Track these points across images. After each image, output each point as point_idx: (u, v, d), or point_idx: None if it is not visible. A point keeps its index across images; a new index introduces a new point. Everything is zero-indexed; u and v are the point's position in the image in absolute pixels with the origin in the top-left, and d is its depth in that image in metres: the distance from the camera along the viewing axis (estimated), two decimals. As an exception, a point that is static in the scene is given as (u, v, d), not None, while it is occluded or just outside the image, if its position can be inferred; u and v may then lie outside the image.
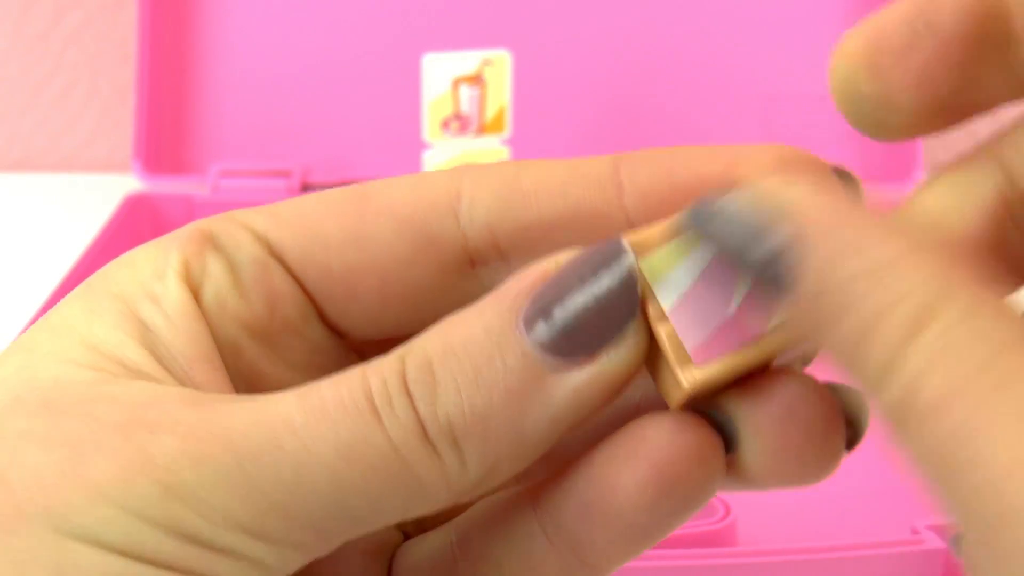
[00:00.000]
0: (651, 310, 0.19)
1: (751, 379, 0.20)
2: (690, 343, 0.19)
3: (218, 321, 0.21)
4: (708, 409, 0.20)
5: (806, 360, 0.21)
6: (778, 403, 0.20)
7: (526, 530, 0.21)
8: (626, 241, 0.19)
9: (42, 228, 0.72)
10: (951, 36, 0.19)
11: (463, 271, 0.22)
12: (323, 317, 0.22)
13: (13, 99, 0.79)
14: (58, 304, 0.21)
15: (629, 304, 0.19)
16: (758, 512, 0.48)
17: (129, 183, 0.68)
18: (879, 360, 0.15)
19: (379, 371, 0.19)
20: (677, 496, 0.20)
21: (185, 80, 0.70)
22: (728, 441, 0.20)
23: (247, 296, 0.21)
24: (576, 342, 0.19)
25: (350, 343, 0.23)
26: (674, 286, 0.19)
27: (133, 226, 0.64)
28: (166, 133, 0.69)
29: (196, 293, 0.21)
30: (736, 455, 0.20)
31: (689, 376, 0.19)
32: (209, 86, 0.70)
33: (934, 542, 0.42)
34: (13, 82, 0.79)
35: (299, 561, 0.19)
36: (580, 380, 0.19)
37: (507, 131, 0.69)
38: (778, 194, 0.17)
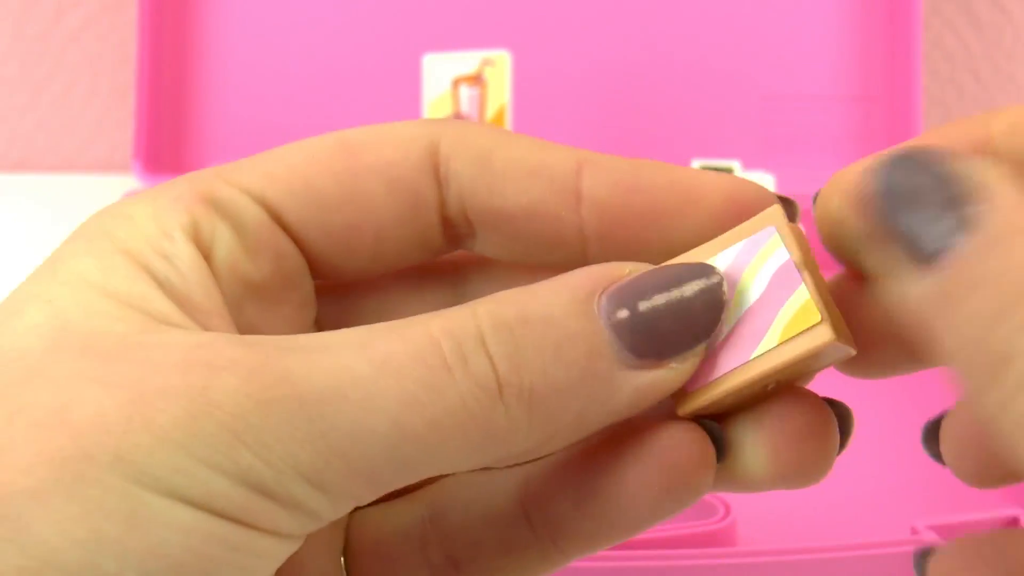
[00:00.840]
0: None
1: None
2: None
3: (227, 282, 0.21)
4: (706, 419, 0.21)
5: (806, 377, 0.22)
6: (774, 414, 0.21)
7: (508, 514, 0.22)
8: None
9: (42, 228, 0.72)
10: None
11: (444, 233, 0.23)
12: (315, 272, 0.23)
13: (13, 99, 0.79)
14: (58, 256, 0.21)
15: (710, 322, 0.20)
16: (758, 512, 0.48)
17: (129, 183, 0.68)
18: None
19: (448, 328, 0.19)
20: (676, 497, 0.21)
21: (185, 80, 0.70)
22: (720, 450, 0.21)
23: (255, 258, 0.22)
24: (653, 346, 0.19)
25: (333, 294, 0.24)
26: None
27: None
28: (166, 133, 0.69)
29: (207, 255, 0.21)
30: (735, 462, 0.21)
31: (683, 408, 0.20)
32: (209, 86, 0.70)
33: (934, 542, 0.42)
34: (13, 82, 0.79)
35: (345, 510, 0.19)
36: (643, 381, 0.20)
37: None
38: (980, 168, 0.18)
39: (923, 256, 0.17)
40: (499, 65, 0.68)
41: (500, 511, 0.23)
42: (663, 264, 0.20)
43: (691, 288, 0.20)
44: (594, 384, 0.19)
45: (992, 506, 0.45)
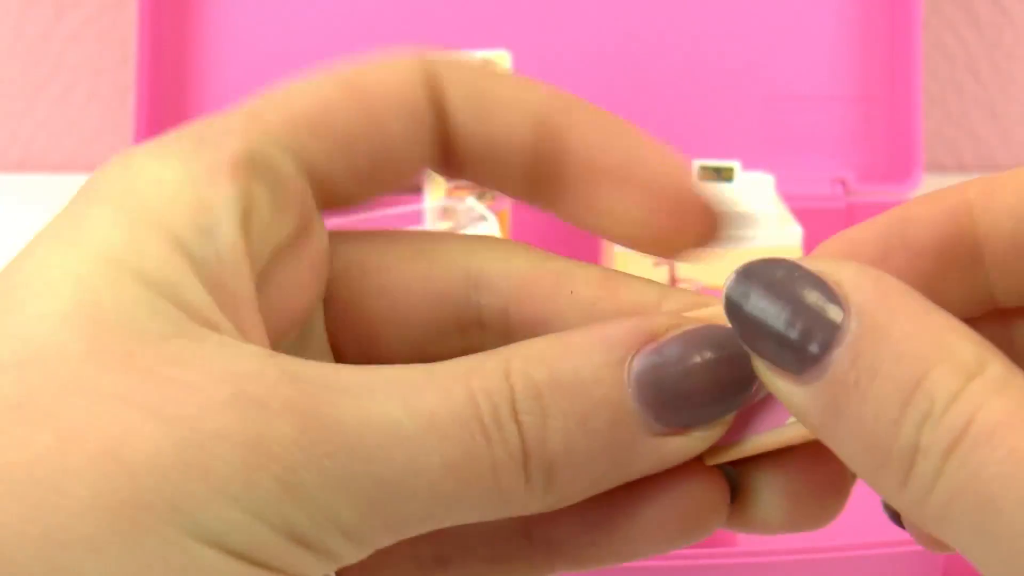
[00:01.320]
0: None
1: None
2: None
3: (257, 250, 0.21)
4: (725, 466, 0.21)
5: None
6: (795, 467, 0.21)
7: (507, 528, 0.22)
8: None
9: (42, 228, 0.72)
10: (923, 251, 0.20)
11: (442, 161, 0.23)
12: (326, 207, 0.22)
13: (13, 99, 0.79)
14: (79, 218, 0.20)
15: (739, 397, 0.19)
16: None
17: (129, 183, 0.68)
18: (936, 402, 0.17)
19: (487, 390, 0.19)
20: (687, 538, 0.21)
21: (185, 80, 0.70)
22: (735, 493, 0.21)
23: (284, 217, 0.21)
24: (680, 416, 0.19)
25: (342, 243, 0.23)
26: None
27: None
28: (165, 133, 0.69)
29: (245, 228, 0.20)
30: (751, 507, 0.21)
31: (710, 459, 0.20)
32: (209, 86, 0.70)
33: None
34: (13, 82, 0.79)
35: (366, 555, 0.19)
36: (667, 449, 0.19)
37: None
38: (830, 269, 0.18)
39: (793, 371, 0.18)
40: (499, 65, 0.68)
41: (500, 524, 0.22)
42: (701, 326, 0.20)
43: (727, 355, 0.19)
44: (616, 452, 0.19)
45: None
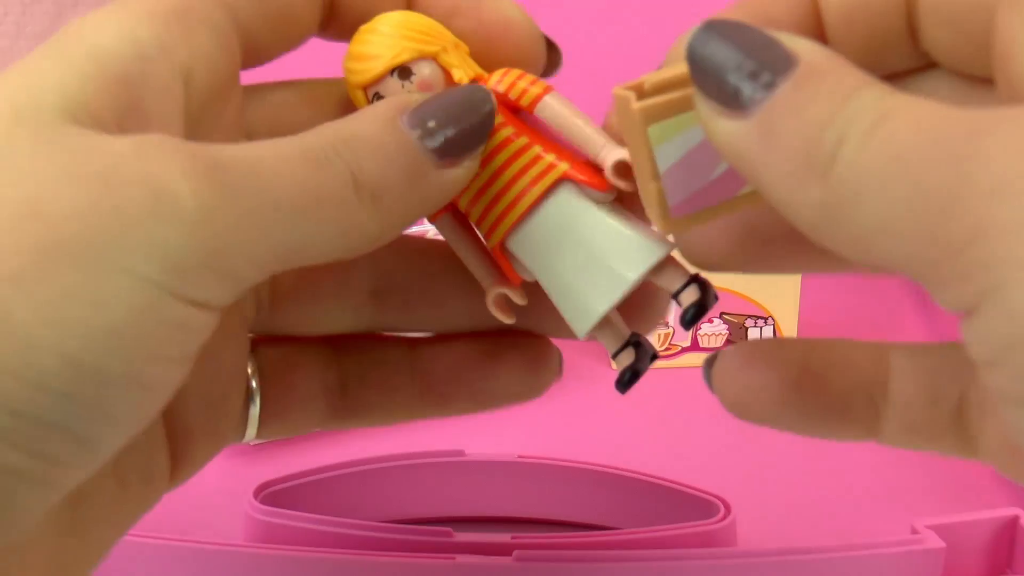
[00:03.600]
0: (649, 169, 0.24)
1: None
2: (678, 197, 0.24)
3: (199, 84, 0.24)
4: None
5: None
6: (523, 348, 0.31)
7: (397, 362, 0.30)
8: (635, 105, 0.23)
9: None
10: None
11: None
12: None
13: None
14: (29, 59, 0.23)
15: (485, 128, 0.26)
16: (758, 512, 0.48)
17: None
18: (862, 104, 0.20)
19: (313, 142, 0.23)
20: (532, 377, 0.31)
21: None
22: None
23: (223, 61, 0.25)
24: (448, 150, 0.25)
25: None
26: (669, 154, 0.23)
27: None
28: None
29: (178, 64, 0.24)
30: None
31: (665, 226, 0.24)
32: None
33: (934, 542, 0.42)
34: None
35: (254, 280, 0.22)
36: (448, 178, 0.25)
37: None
38: (784, 36, 0.21)
39: (740, 100, 0.21)
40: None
41: (390, 355, 0.30)
42: (445, 89, 0.26)
43: (465, 103, 0.25)
44: (417, 181, 0.24)
45: (992, 505, 0.45)
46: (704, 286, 0.25)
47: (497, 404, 0.31)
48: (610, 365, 0.62)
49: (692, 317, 0.25)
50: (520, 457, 0.49)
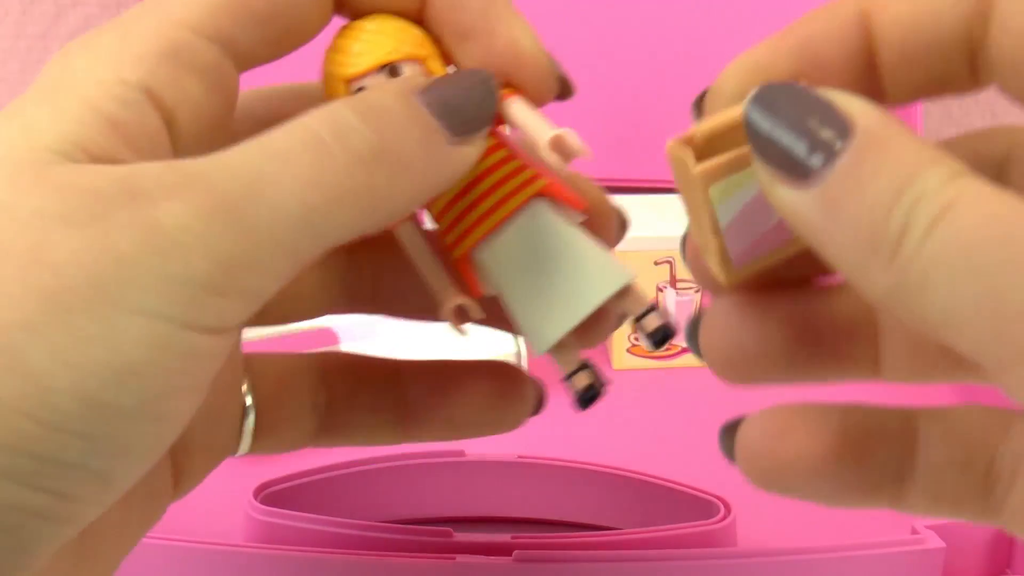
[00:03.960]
0: (706, 223, 0.23)
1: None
2: (738, 247, 0.24)
3: (188, 124, 0.24)
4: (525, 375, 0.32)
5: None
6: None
7: (382, 384, 0.30)
8: (696, 169, 0.23)
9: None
10: (832, 67, 0.24)
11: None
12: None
13: (13, 99, 0.79)
14: (20, 103, 0.23)
15: (492, 110, 0.25)
16: (758, 512, 0.48)
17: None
18: (927, 188, 0.20)
19: (317, 119, 0.23)
20: (501, 405, 0.32)
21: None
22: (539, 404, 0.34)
23: (214, 100, 0.25)
24: (462, 127, 0.25)
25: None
26: (729, 209, 0.23)
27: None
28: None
29: (170, 116, 0.24)
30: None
31: (726, 279, 0.24)
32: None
33: (934, 542, 0.42)
34: (13, 82, 0.79)
35: (275, 289, 0.22)
36: (461, 154, 0.25)
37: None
38: (839, 98, 0.21)
39: (802, 170, 0.21)
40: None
41: (378, 392, 0.31)
42: (450, 73, 0.26)
43: (473, 82, 0.25)
44: (434, 154, 0.24)
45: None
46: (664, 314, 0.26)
47: (470, 433, 0.31)
48: (610, 365, 0.62)
49: (661, 339, 0.26)
50: (520, 457, 0.49)
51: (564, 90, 0.28)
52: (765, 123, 0.21)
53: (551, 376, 0.64)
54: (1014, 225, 0.19)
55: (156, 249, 0.20)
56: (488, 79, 0.26)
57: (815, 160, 0.20)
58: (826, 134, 0.20)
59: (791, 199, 0.21)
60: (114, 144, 0.22)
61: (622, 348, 0.61)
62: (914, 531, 0.43)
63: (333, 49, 0.27)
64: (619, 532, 0.43)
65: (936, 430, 0.23)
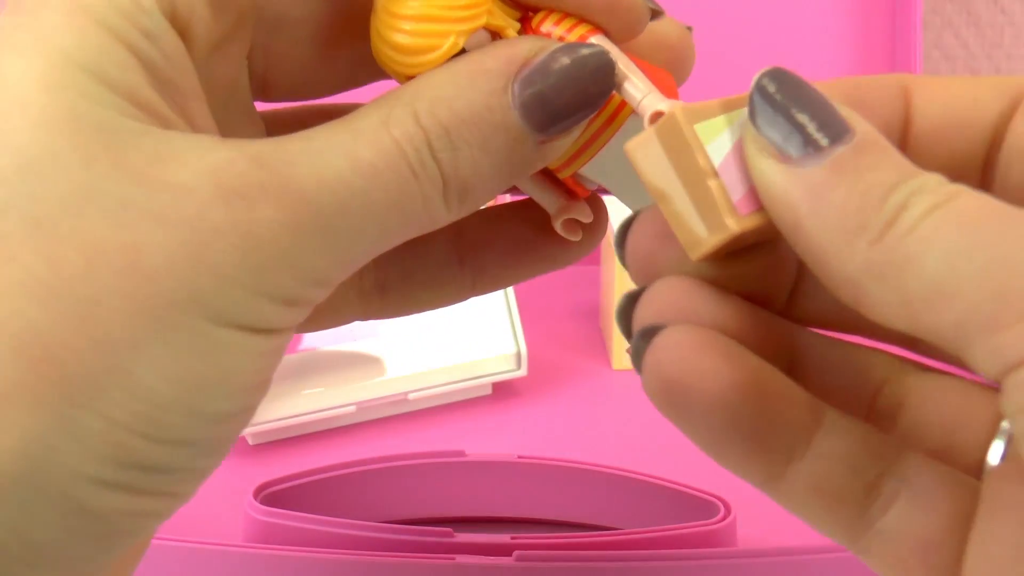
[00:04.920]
0: (702, 165, 0.22)
1: None
2: (735, 196, 0.22)
3: (199, 48, 0.23)
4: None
5: None
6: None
7: (442, 255, 0.29)
8: (676, 107, 0.22)
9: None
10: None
11: None
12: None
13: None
14: (36, 22, 0.21)
15: (604, 90, 0.24)
16: (758, 512, 0.48)
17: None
18: (928, 183, 0.20)
19: (407, 136, 0.22)
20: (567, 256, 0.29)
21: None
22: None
23: (223, 18, 0.24)
24: (558, 123, 0.23)
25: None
26: (719, 150, 0.23)
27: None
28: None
29: (184, 32, 0.22)
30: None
31: (734, 222, 0.22)
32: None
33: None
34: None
35: (328, 294, 0.23)
36: (548, 152, 0.24)
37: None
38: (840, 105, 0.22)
39: (794, 154, 0.21)
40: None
41: (436, 252, 0.29)
42: (560, 44, 0.24)
43: (589, 63, 0.23)
44: (512, 166, 0.23)
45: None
46: None
47: (543, 269, 0.30)
48: (610, 365, 0.62)
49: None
50: (520, 457, 0.49)
51: (655, 16, 0.27)
52: (776, 95, 0.22)
53: (551, 376, 0.64)
54: (1016, 212, 0.20)
55: (252, 265, 0.21)
56: (608, 65, 0.24)
57: (816, 141, 0.21)
58: (829, 123, 0.21)
59: (774, 173, 0.21)
60: (148, 75, 0.21)
61: (622, 348, 0.61)
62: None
63: (388, 45, 0.24)
64: (619, 532, 0.43)
65: (841, 425, 0.23)
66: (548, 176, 0.28)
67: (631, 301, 0.23)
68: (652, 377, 0.22)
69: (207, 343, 0.21)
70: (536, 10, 0.25)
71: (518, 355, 0.57)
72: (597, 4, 0.25)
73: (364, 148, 0.22)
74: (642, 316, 0.23)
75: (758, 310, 0.23)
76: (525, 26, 0.25)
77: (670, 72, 0.27)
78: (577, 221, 0.28)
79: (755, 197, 0.23)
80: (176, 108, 0.22)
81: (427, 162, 0.22)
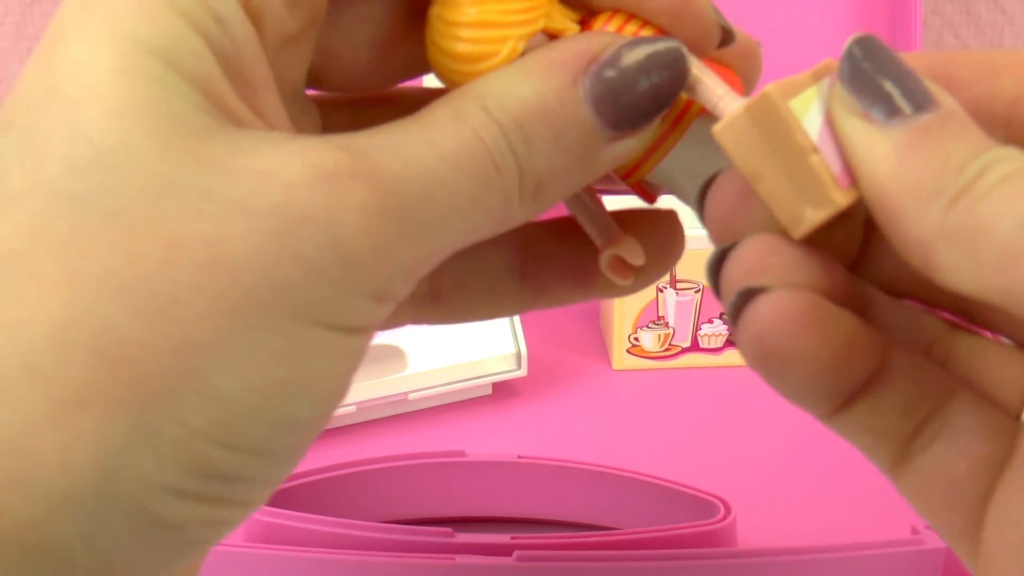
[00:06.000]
0: (802, 142, 0.22)
1: None
2: (834, 170, 0.22)
3: (269, 43, 0.22)
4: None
5: None
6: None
7: (503, 266, 0.28)
8: (770, 88, 0.22)
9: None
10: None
11: None
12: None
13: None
14: (104, 5, 0.20)
15: (676, 88, 0.23)
16: (758, 512, 0.48)
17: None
18: (1010, 152, 0.20)
19: (484, 127, 0.21)
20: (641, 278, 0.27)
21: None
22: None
23: (296, 12, 0.22)
24: (631, 119, 0.23)
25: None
26: (812, 124, 0.22)
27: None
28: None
29: (257, 22, 0.21)
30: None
31: (841, 196, 0.22)
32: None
33: (934, 542, 0.42)
34: (13, 82, 0.79)
35: (411, 290, 0.22)
36: (619, 151, 0.23)
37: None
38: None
39: (885, 109, 0.21)
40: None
41: (496, 261, 0.28)
42: (633, 38, 0.23)
43: (662, 58, 0.23)
44: (583, 162, 0.23)
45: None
46: None
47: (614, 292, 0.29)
48: (610, 365, 0.62)
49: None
50: (520, 457, 0.49)
51: (727, 39, 0.26)
52: (865, 60, 0.22)
53: (551, 376, 0.64)
54: None
55: (340, 258, 0.19)
56: (681, 58, 0.23)
57: (904, 105, 0.21)
58: (915, 91, 0.21)
59: (860, 132, 0.21)
60: (221, 67, 0.20)
61: (622, 349, 0.61)
62: (914, 531, 0.43)
63: (444, 54, 0.24)
64: (619, 532, 0.43)
65: (905, 363, 0.23)
66: (599, 201, 0.27)
67: (720, 258, 0.23)
68: (752, 343, 0.22)
69: (291, 344, 0.19)
70: (598, 12, 0.24)
71: (518, 355, 0.57)
72: (662, 4, 0.24)
73: (445, 138, 0.21)
74: (733, 274, 0.23)
75: (839, 266, 0.24)
76: (585, 29, 0.25)
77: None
78: (625, 262, 0.27)
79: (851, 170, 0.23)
80: (246, 99, 0.21)
81: (506, 154, 0.22)
